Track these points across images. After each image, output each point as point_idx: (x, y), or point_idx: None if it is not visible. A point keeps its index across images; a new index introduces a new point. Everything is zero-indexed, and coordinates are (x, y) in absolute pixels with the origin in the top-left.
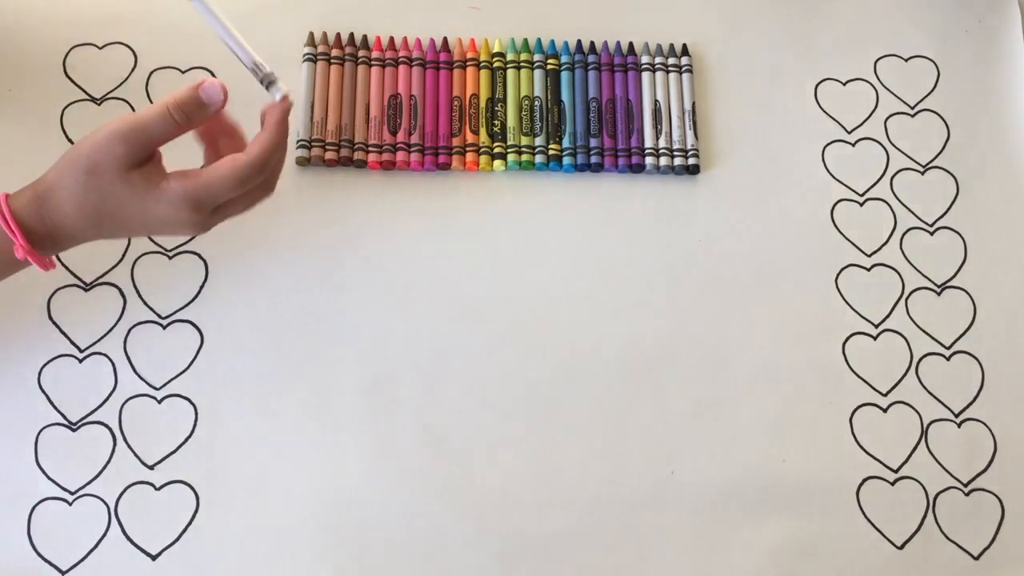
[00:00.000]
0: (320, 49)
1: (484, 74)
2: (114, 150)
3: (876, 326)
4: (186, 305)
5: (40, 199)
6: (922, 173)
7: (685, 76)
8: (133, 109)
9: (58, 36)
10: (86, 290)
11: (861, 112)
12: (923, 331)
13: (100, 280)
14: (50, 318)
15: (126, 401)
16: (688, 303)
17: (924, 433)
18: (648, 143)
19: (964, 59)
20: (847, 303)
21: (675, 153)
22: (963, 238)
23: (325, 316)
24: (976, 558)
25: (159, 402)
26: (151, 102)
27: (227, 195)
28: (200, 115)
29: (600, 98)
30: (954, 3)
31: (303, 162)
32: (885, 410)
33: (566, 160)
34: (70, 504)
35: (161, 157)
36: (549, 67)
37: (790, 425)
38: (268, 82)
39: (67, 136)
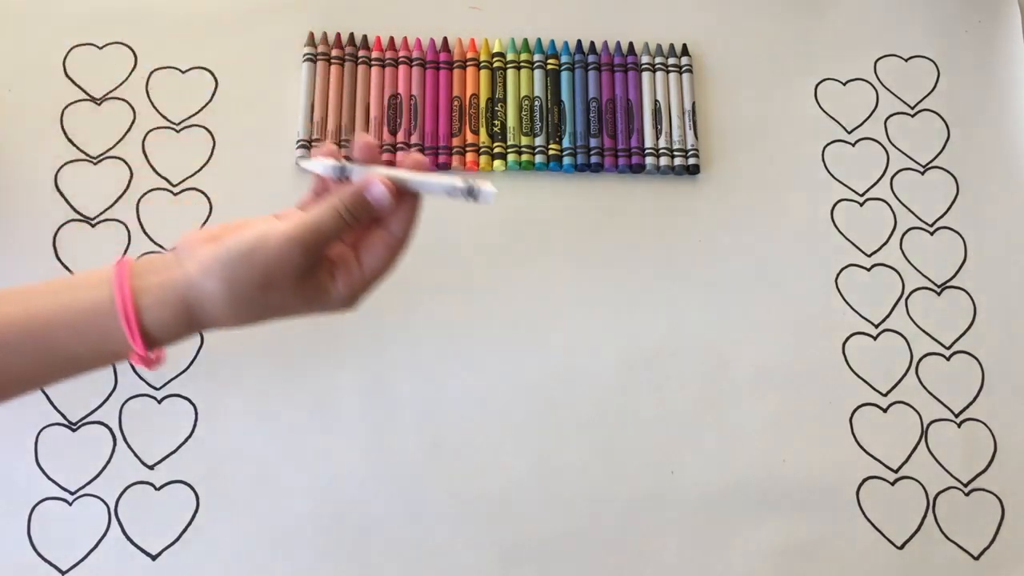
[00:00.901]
0: (320, 49)
1: (484, 74)
2: (293, 260)
3: (876, 326)
4: None
5: (192, 307)
6: (922, 173)
7: (685, 76)
8: (133, 109)
9: (58, 36)
10: None
11: (861, 112)
12: (923, 331)
13: None
14: None
15: (126, 401)
16: (688, 303)
17: (924, 433)
18: (648, 143)
19: (964, 59)
20: (847, 303)
21: (675, 153)
22: (963, 238)
23: (325, 316)
24: (976, 558)
25: (159, 402)
26: (151, 102)
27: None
28: (368, 216)
29: (600, 98)
30: (954, 3)
31: None
32: (885, 410)
33: (566, 160)
34: (70, 504)
35: (327, 258)
36: (549, 67)
37: (790, 425)
38: (475, 192)
39: (67, 136)
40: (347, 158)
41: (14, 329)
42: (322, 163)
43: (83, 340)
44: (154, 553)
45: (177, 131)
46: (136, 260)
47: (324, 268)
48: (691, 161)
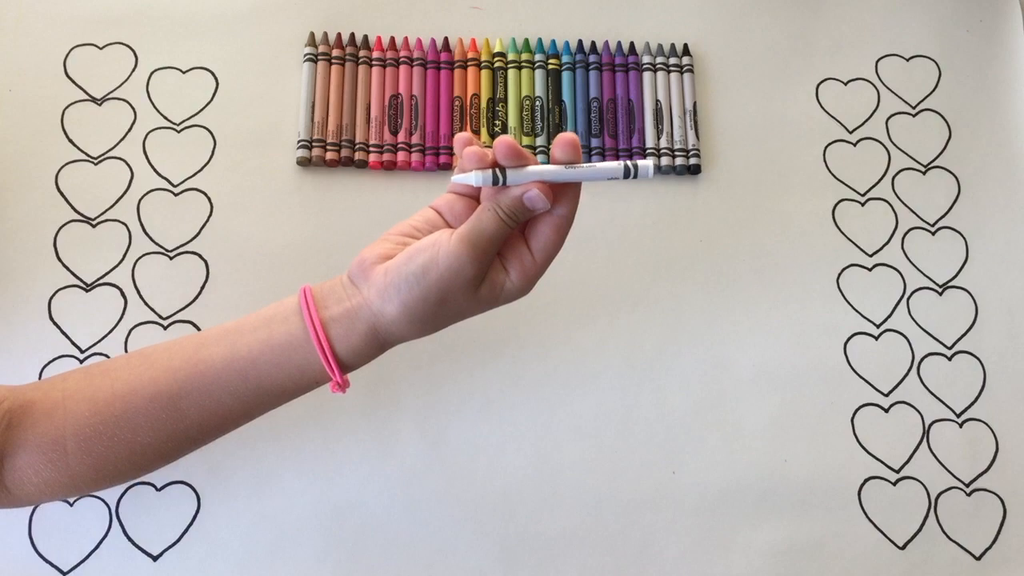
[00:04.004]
0: (320, 49)
1: (485, 74)
2: (465, 273)
3: (878, 326)
4: (187, 305)
5: (378, 331)
6: (923, 173)
7: (686, 76)
8: (134, 109)
9: (58, 36)
10: (87, 290)
11: (862, 112)
12: (925, 331)
13: (101, 280)
14: (51, 319)
15: None
16: (689, 303)
17: (926, 433)
18: (649, 143)
19: (965, 59)
20: (848, 303)
21: (676, 153)
22: (964, 238)
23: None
24: (978, 558)
25: None
26: (152, 102)
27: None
28: (528, 216)
29: (601, 98)
30: (955, 3)
31: (304, 162)
32: (887, 410)
33: None
34: (71, 505)
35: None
36: (550, 67)
37: (792, 425)
38: (635, 170)
39: (67, 136)
40: (496, 165)
41: (222, 369)
42: (476, 176)
43: (284, 372)
44: (155, 554)
45: (178, 131)
46: (317, 289)
47: (495, 267)
48: (692, 161)
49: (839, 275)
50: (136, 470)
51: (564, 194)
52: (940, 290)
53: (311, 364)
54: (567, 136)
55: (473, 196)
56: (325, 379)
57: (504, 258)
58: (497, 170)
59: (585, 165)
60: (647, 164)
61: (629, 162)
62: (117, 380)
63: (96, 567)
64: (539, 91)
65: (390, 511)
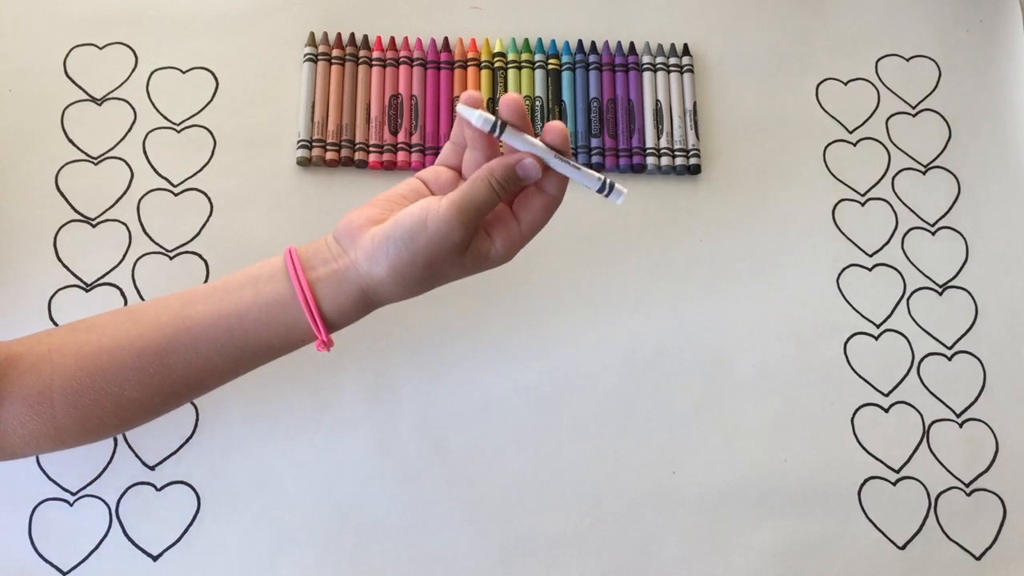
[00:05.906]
0: (320, 49)
1: (485, 74)
2: (453, 238)
3: (878, 326)
4: None
5: (365, 292)
6: (923, 173)
7: (686, 76)
8: (134, 109)
9: (58, 36)
10: (87, 291)
11: (862, 112)
12: (925, 331)
13: (101, 280)
14: (51, 319)
15: None
16: (689, 303)
17: (926, 433)
18: (649, 143)
19: (965, 58)
20: (848, 303)
21: (676, 153)
22: (964, 238)
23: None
24: (978, 558)
25: None
26: (151, 102)
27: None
28: (515, 187)
29: (601, 98)
30: (955, 3)
31: (304, 162)
32: (887, 410)
33: None
34: (71, 505)
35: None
36: (550, 67)
37: (792, 425)
38: (608, 190)
39: (67, 136)
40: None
41: (209, 326)
42: (480, 115)
43: (271, 330)
44: (155, 554)
45: (178, 131)
46: (303, 250)
47: (480, 235)
48: (692, 161)
49: (839, 275)
50: (122, 424)
51: (555, 178)
52: (940, 290)
53: (298, 323)
54: (559, 125)
55: (458, 169)
56: (311, 338)
57: (490, 226)
58: (498, 121)
59: (572, 163)
60: (621, 192)
61: (609, 181)
62: (104, 336)
63: (96, 567)
64: (539, 91)
65: (390, 511)
